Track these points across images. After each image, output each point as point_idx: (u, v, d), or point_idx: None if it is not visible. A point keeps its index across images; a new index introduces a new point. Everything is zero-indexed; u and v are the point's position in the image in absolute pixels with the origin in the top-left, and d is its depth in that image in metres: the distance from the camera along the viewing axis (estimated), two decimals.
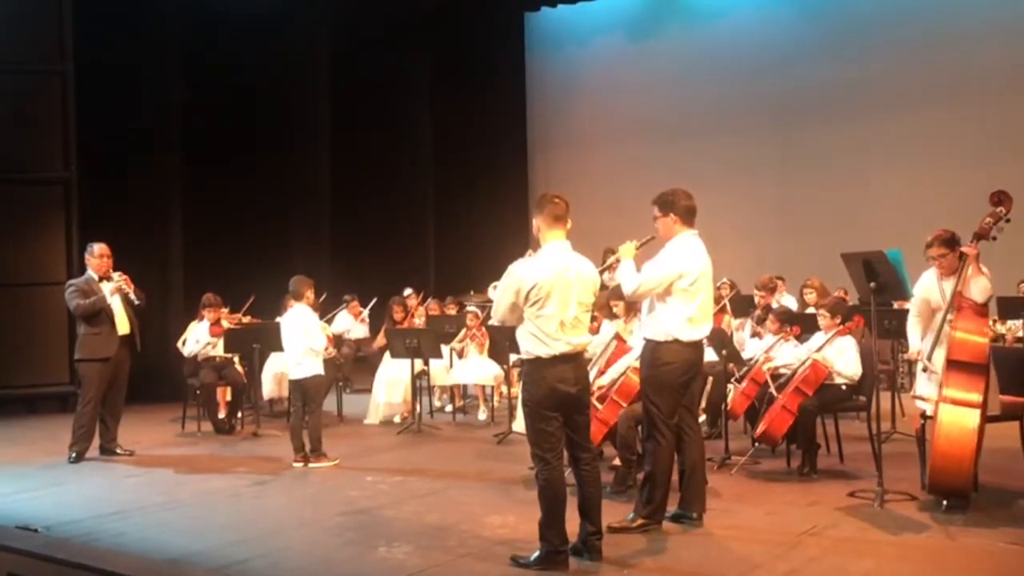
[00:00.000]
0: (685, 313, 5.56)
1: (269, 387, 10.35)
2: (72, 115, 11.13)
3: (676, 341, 5.58)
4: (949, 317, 5.99)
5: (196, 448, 8.85)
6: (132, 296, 8.23)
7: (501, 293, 5.13)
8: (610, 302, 7.48)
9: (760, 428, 7.07)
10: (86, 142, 11.24)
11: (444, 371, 10.37)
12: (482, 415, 10.10)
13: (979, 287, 5.95)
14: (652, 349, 5.68)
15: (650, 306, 5.72)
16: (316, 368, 7.97)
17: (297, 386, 8.00)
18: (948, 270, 6.09)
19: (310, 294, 8.10)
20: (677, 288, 5.56)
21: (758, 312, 8.74)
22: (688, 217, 5.70)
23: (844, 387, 7.09)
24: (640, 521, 5.61)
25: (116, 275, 8.22)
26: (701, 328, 5.67)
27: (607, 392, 6.87)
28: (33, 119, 11.06)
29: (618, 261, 5.86)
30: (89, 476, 7.67)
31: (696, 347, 5.70)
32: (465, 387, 10.70)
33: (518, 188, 16.44)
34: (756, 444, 7.40)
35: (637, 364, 6.88)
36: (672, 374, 5.61)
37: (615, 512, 5.76)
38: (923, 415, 6.23)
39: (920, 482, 6.28)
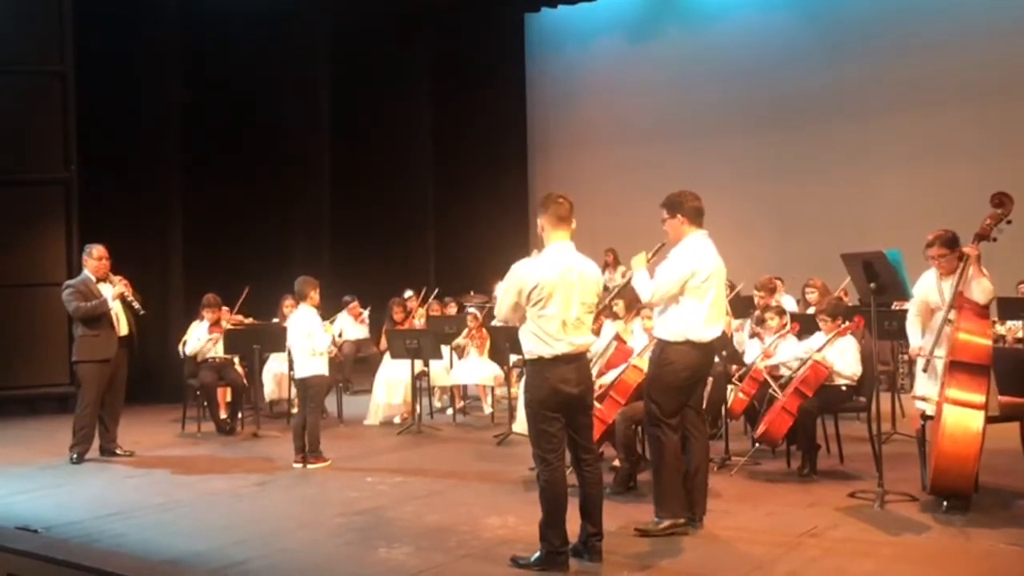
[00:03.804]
0: (696, 313, 5.52)
1: (269, 388, 10.35)
2: (72, 115, 11.13)
3: (687, 342, 5.54)
4: (949, 317, 6.00)
5: (196, 449, 8.84)
6: (134, 303, 8.23)
7: (503, 293, 5.13)
8: (611, 302, 7.48)
9: (760, 429, 7.07)
10: (86, 142, 11.24)
11: (444, 372, 10.37)
12: (487, 410, 10.13)
13: (981, 288, 5.95)
14: (662, 349, 5.65)
15: (662, 307, 5.67)
16: (319, 368, 7.97)
17: (300, 385, 8.02)
18: (948, 270, 6.08)
19: (314, 294, 8.07)
20: (690, 287, 5.52)
21: (758, 313, 8.73)
22: (697, 217, 5.68)
23: (844, 388, 7.09)
24: (667, 523, 5.50)
25: (118, 280, 8.20)
26: (713, 329, 5.62)
27: (606, 391, 6.87)
28: (33, 119, 11.06)
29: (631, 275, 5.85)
30: (88, 477, 7.67)
31: (706, 349, 5.65)
32: (466, 388, 10.70)
33: (518, 188, 16.45)
34: (756, 445, 7.40)
35: (636, 362, 6.91)
36: (676, 375, 5.58)
37: (616, 513, 5.76)
38: (923, 415, 6.23)
39: (920, 483, 6.28)
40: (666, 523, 5.52)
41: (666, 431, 5.60)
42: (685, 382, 5.63)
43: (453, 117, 16.05)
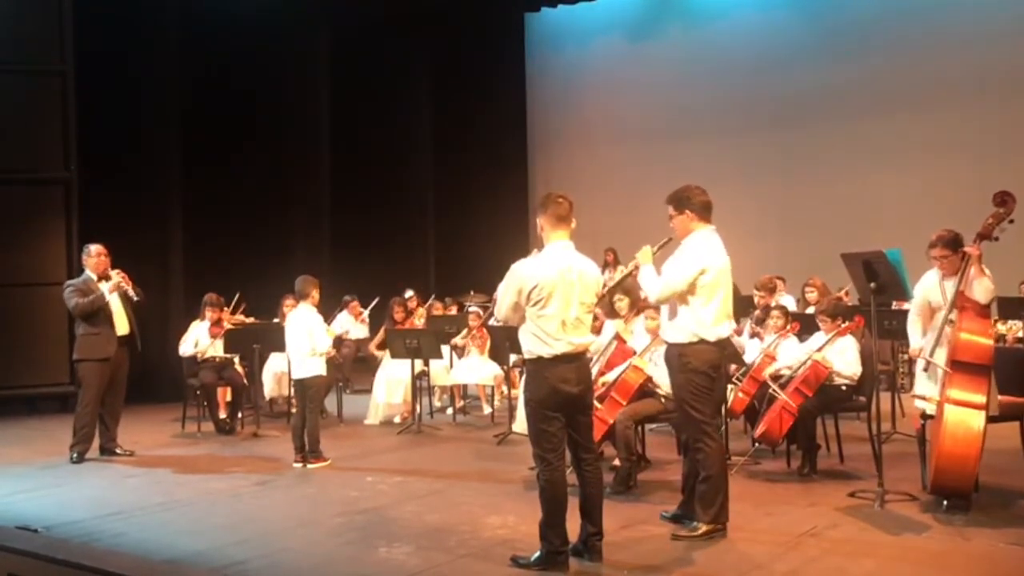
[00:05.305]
0: (709, 311, 5.43)
1: (269, 387, 10.35)
2: (72, 115, 11.12)
3: (703, 341, 5.44)
4: (951, 317, 5.99)
5: (196, 448, 8.84)
6: (131, 292, 8.23)
7: (503, 292, 5.12)
8: (613, 300, 7.45)
9: (760, 429, 7.07)
10: (86, 142, 11.24)
11: (444, 371, 10.37)
12: (487, 409, 10.14)
13: (982, 288, 5.95)
14: (680, 353, 5.50)
15: (671, 309, 5.55)
16: (317, 368, 7.97)
17: (299, 385, 8.02)
18: (950, 271, 6.08)
19: (315, 294, 8.07)
20: (700, 284, 5.42)
21: (757, 312, 8.73)
22: (705, 213, 5.55)
23: (844, 387, 7.09)
24: (705, 528, 5.46)
25: (114, 272, 8.21)
26: (723, 326, 5.55)
27: (607, 391, 6.87)
28: (33, 119, 11.06)
29: (637, 268, 5.76)
30: (89, 476, 7.67)
31: (720, 347, 5.58)
32: (466, 387, 10.70)
33: (518, 188, 16.44)
34: (756, 444, 7.40)
35: (637, 362, 6.91)
36: (707, 375, 5.47)
37: (616, 513, 5.75)
38: (923, 415, 6.23)
39: (921, 482, 6.28)
40: (704, 528, 5.45)
41: (713, 436, 5.53)
42: (714, 380, 5.57)
43: (453, 117, 16.04)
